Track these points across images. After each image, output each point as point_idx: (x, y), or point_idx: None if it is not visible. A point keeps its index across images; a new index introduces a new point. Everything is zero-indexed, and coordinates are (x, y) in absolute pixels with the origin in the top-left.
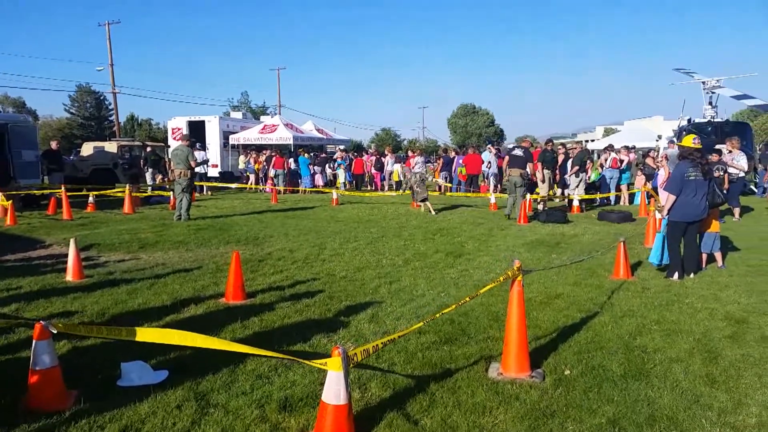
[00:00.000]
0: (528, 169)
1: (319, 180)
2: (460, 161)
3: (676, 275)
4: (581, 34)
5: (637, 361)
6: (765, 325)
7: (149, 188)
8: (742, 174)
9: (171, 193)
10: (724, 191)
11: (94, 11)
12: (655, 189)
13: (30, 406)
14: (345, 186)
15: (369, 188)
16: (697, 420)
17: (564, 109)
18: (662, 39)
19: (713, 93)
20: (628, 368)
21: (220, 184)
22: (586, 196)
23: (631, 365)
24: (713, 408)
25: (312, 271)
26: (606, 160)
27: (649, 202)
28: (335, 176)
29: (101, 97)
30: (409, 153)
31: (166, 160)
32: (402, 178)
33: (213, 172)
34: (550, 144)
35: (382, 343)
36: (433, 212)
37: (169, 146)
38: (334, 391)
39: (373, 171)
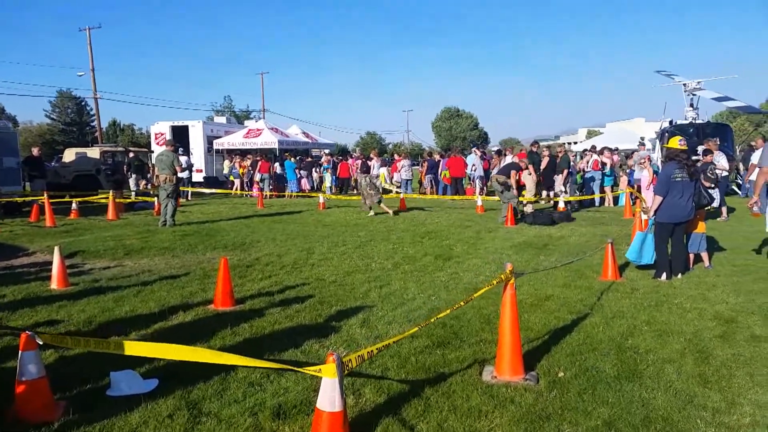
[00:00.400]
0: (510, 178)
1: (305, 184)
2: (445, 164)
3: (664, 276)
4: (563, 38)
5: (629, 362)
6: (754, 324)
7: (133, 194)
8: (725, 173)
9: (155, 198)
10: (710, 192)
11: (75, 16)
12: (639, 189)
13: (17, 418)
14: (331, 190)
15: (356, 192)
16: (692, 420)
17: (547, 112)
18: (643, 42)
19: (694, 95)
20: (621, 369)
21: (205, 189)
22: (572, 198)
23: (624, 366)
24: (707, 408)
25: (301, 276)
26: (587, 162)
27: (634, 203)
28: (321, 180)
29: (82, 103)
30: (395, 156)
31: (150, 165)
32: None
33: (198, 177)
34: (536, 146)
35: (377, 348)
36: (391, 213)
37: (152, 152)
38: (329, 398)
39: (360, 174)
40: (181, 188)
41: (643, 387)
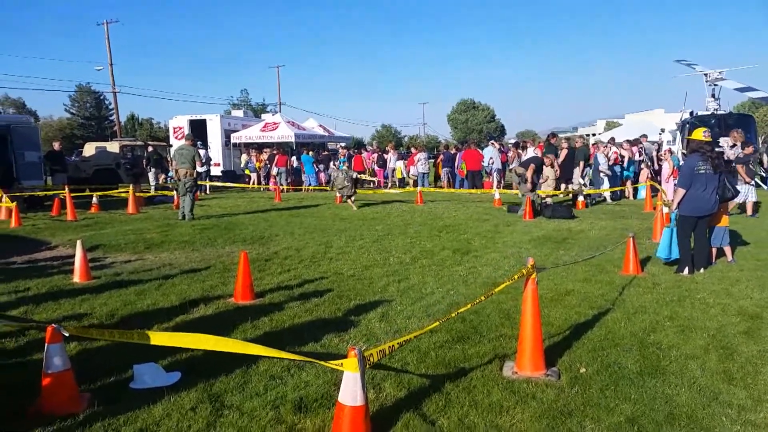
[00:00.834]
0: (527, 171)
1: (322, 177)
2: (461, 157)
3: (686, 270)
4: (581, 28)
5: (652, 358)
6: None
7: (152, 188)
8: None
9: (174, 192)
10: (735, 186)
11: (92, 11)
12: (659, 182)
13: (43, 410)
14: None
15: (372, 185)
16: (717, 418)
17: (565, 104)
18: (663, 32)
19: (716, 85)
20: (643, 365)
21: (221, 184)
22: (592, 191)
23: (647, 362)
24: (732, 405)
25: (319, 270)
26: (607, 156)
27: (655, 196)
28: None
29: (101, 97)
30: (412, 150)
31: (168, 159)
32: (333, 176)
33: (215, 171)
34: (554, 138)
35: (398, 343)
36: (355, 208)
37: (171, 145)
38: (350, 393)
39: (376, 168)
40: (199, 182)
41: (666, 383)
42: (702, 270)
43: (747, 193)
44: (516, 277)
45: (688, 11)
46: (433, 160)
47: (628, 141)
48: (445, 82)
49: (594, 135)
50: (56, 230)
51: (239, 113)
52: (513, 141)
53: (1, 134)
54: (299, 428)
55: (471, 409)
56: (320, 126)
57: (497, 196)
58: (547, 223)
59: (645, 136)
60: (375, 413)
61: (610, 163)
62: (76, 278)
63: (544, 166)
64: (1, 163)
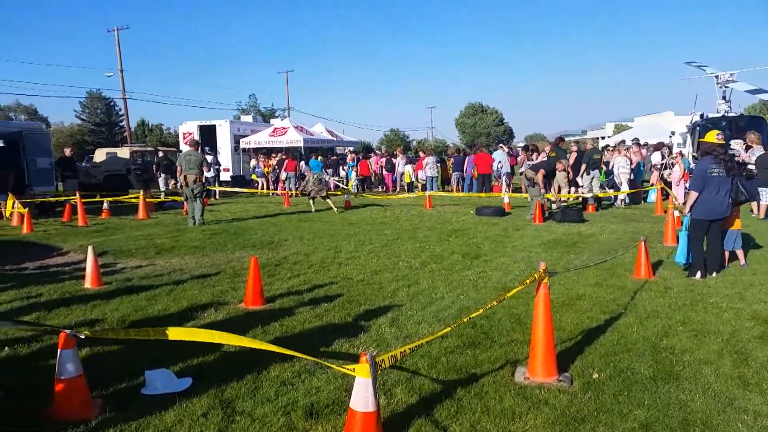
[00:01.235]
0: (537, 175)
1: (331, 183)
2: (471, 161)
3: (698, 274)
4: (589, 31)
5: (665, 363)
6: None
7: (162, 193)
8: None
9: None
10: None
11: (103, 18)
12: (669, 185)
13: (56, 416)
14: (357, 188)
15: (380, 189)
16: (733, 424)
17: (573, 107)
18: (672, 34)
19: (727, 87)
20: (656, 370)
21: (231, 189)
22: (601, 194)
23: (660, 367)
24: (748, 411)
25: (329, 275)
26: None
27: (666, 199)
28: (347, 178)
29: (111, 103)
30: (420, 154)
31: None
32: (306, 179)
33: (225, 176)
34: (562, 142)
35: (409, 348)
36: (313, 210)
37: (181, 151)
38: (362, 398)
39: (384, 172)
40: (207, 187)
41: (680, 389)
42: (714, 274)
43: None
44: (528, 281)
45: (698, 12)
46: (440, 164)
47: (637, 144)
48: (453, 86)
49: (603, 138)
50: (67, 236)
51: (248, 118)
52: (521, 144)
53: (14, 141)
54: None
55: (483, 415)
56: (328, 131)
57: (506, 200)
58: (557, 227)
59: (662, 143)
60: (386, 419)
61: (632, 166)
62: (88, 284)
63: (556, 171)
64: (13, 169)
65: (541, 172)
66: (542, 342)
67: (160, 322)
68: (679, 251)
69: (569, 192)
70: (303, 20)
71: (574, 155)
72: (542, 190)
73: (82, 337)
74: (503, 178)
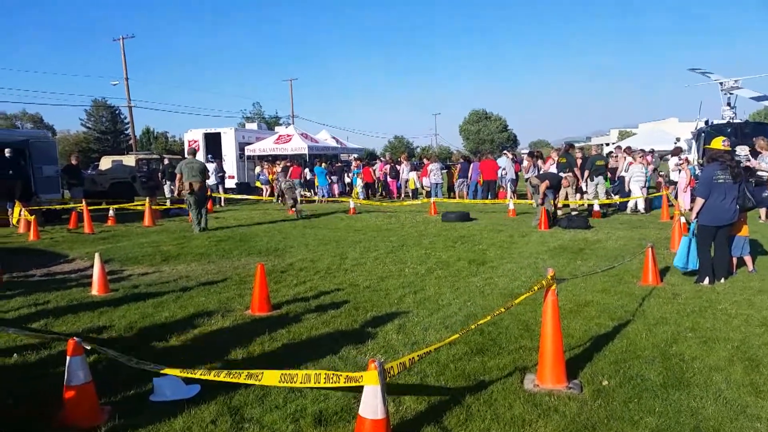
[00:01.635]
0: (541, 185)
1: (335, 189)
2: (477, 167)
3: (706, 280)
4: (593, 37)
5: (675, 369)
6: None
7: (168, 201)
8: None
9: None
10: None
11: (108, 27)
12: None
13: (65, 423)
14: (361, 195)
15: (384, 196)
16: None
17: (577, 113)
18: (676, 40)
19: (731, 94)
20: (667, 377)
21: (235, 196)
22: (606, 201)
23: (670, 374)
24: (761, 419)
25: (335, 282)
26: (622, 164)
27: (672, 206)
28: (352, 185)
29: (116, 111)
30: (425, 161)
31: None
32: (279, 186)
33: (230, 184)
34: (572, 149)
35: (418, 355)
36: (296, 214)
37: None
38: (371, 406)
39: (389, 179)
40: (213, 194)
41: (691, 396)
42: (723, 280)
43: None
44: (536, 288)
45: (702, 19)
46: (446, 171)
47: (642, 151)
48: (457, 93)
49: (607, 144)
50: (74, 243)
51: (253, 126)
52: (526, 151)
53: (20, 149)
54: None
55: (493, 422)
56: (333, 138)
57: (511, 207)
58: (563, 234)
59: (680, 148)
60: (395, 427)
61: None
62: (95, 291)
63: (561, 185)
64: (20, 177)
65: (546, 183)
66: (551, 349)
67: (167, 329)
68: (678, 255)
69: (575, 198)
70: (307, 29)
71: (578, 161)
72: (540, 201)
73: (88, 347)
74: (508, 185)
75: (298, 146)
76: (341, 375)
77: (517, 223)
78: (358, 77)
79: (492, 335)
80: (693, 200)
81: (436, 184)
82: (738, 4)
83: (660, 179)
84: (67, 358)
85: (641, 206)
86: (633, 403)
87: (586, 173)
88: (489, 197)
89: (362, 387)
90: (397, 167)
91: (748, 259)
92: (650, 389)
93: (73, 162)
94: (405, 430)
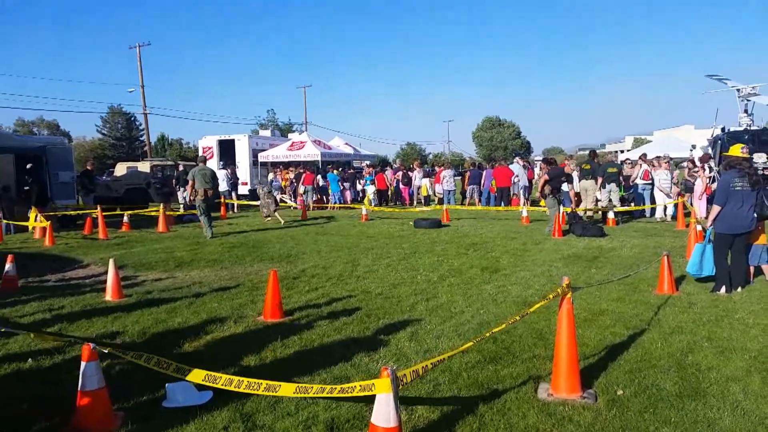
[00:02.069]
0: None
1: (347, 196)
2: (490, 174)
3: (723, 289)
4: (608, 43)
5: (691, 379)
6: None
7: (181, 207)
8: None
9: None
10: None
11: (125, 34)
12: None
13: (78, 428)
14: (373, 202)
15: (397, 203)
16: None
17: (592, 120)
18: (692, 46)
19: (749, 101)
20: (682, 387)
21: (248, 203)
22: (622, 209)
23: (686, 384)
24: None
25: (347, 289)
26: (638, 173)
27: (688, 214)
28: (364, 192)
29: (132, 118)
30: (436, 168)
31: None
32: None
33: (243, 190)
34: (596, 156)
35: (431, 363)
36: (280, 219)
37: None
38: (384, 414)
39: (401, 186)
40: (226, 201)
41: (707, 406)
42: (739, 289)
43: None
44: (551, 296)
45: (719, 25)
46: (459, 177)
47: (658, 158)
48: (470, 100)
49: (622, 152)
50: (88, 249)
51: (267, 133)
52: (539, 158)
53: (37, 155)
54: None
55: None
56: (346, 144)
57: (525, 214)
58: (577, 241)
59: (708, 155)
60: None
61: (646, 180)
62: (108, 296)
63: (562, 179)
64: (36, 183)
65: (544, 178)
66: (565, 358)
67: (180, 335)
68: (690, 262)
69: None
70: (321, 36)
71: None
72: (549, 203)
73: (105, 351)
74: (521, 192)
75: (311, 153)
76: (355, 386)
77: (530, 230)
78: (372, 84)
79: (505, 343)
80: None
81: (449, 191)
82: (753, 9)
83: (674, 187)
84: (82, 363)
85: (668, 213)
86: (648, 413)
87: (599, 180)
88: (502, 204)
89: (374, 395)
90: (410, 174)
91: (765, 267)
92: (666, 399)
93: (89, 168)
94: None
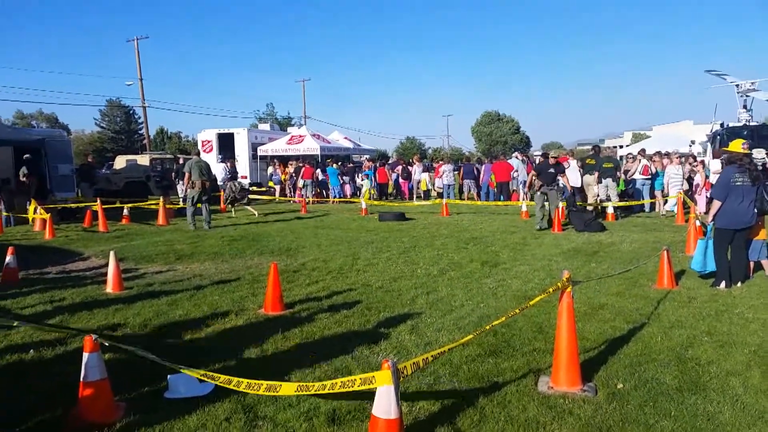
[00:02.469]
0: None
1: (347, 190)
2: (489, 169)
3: (723, 284)
4: (607, 37)
5: (691, 373)
6: None
7: (181, 200)
8: None
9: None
10: None
11: (122, 27)
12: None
13: (81, 419)
14: (372, 195)
15: (396, 197)
16: None
17: (591, 115)
18: (691, 42)
19: (748, 96)
20: (682, 381)
21: (250, 196)
22: (621, 204)
23: (686, 378)
24: None
25: (347, 282)
26: (637, 168)
27: (687, 209)
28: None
29: (131, 111)
30: (434, 164)
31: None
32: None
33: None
34: (600, 150)
35: (431, 356)
36: (233, 214)
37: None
38: (385, 406)
39: (401, 180)
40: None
41: (707, 400)
42: (739, 284)
43: None
44: (551, 290)
45: (718, 20)
46: (457, 172)
47: (658, 153)
48: (470, 94)
49: (621, 147)
50: (88, 241)
51: (266, 127)
52: (539, 152)
53: (36, 148)
54: None
55: (507, 424)
56: (345, 138)
57: (524, 208)
58: (576, 236)
59: (722, 151)
60: (409, 427)
61: (645, 175)
62: (109, 288)
63: (549, 171)
64: (36, 176)
65: (532, 173)
66: (566, 351)
67: (181, 327)
68: (695, 259)
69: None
70: (320, 30)
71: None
72: (538, 201)
73: (107, 343)
74: (520, 186)
75: (310, 147)
76: (355, 378)
77: (530, 225)
78: (371, 78)
79: (505, 337)
80: (708, 202)
81: (448, 185)
82: (753, 3)
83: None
84: (84, 354)
85: (668, 207)
86: (648, 406)
87: (596, 175)
88: (502, 199)
89: (375, 387)
90: (409, 168)
91: (765, 263)
92: (666, 393)
93: (90, 161)
94: (418, 431)
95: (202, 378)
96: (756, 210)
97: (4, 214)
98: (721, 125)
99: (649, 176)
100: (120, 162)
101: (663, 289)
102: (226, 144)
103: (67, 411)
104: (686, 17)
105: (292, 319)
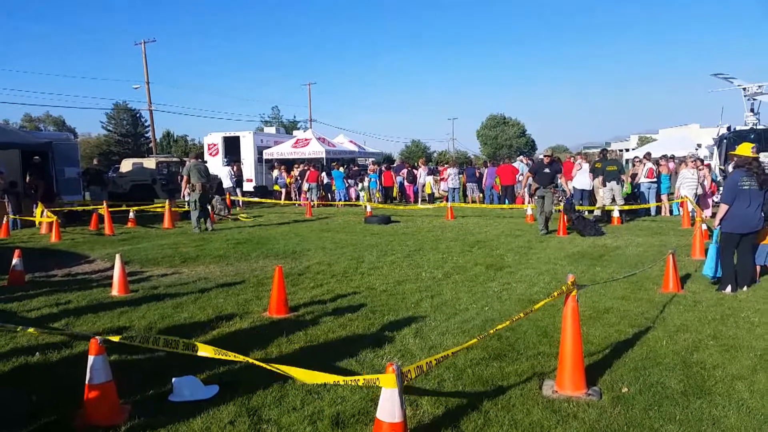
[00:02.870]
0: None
1: (352, 193)
2: (494, 172)
3: (728, 288)
4: (612, 41)
5: (696, 377)
6: None
7: (186, 203)
8: None
9: (209, 208)
10: None
11: (130, 31)
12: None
13: (85, 421)
14: (377, 199)
15: (401, 201)
16: None
17: (597, 118)
18: (697, 45)
19: (755, 99)
20: (688, 385)
21: (253, 199)
22: (626, 207)
23: (691, 382)
24: None
25: (352, 285)
26: (642, 172)
27: (693, 213)
28: (368, 189)
29: (137, 115)
30: (439, 168)
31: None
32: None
33: (248, 187)
34: (608, 153)
35: (436, 360)
36: (247, 220)
37: (206, 162)
38: (388, 409)
39: (406, 183)
40: (232, 198)
41: (712, 404)
42: (745, 288)
43: None
44: (556, 294)
45: (725, 23)
46: (461, 176)
47: (664, 156)
48: (475, 98)
49: (627, 150)
50: (94, 244)
51: (272, 130)
52: (542, 156)
53: (43, 151)
54: None
55: (511, 428)
56: (351, 141)
57: (529, 212)
58: (581, 240)
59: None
60: (413, 430)
61: (650, 178)
62: (115, 291)
63: (544, 171)
64: (43, 179)
65: (528, 174)
66: (570, 355)
67: (186, 330)
68: (707, 264)
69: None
70: (325, 34)
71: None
72: (540, 206)
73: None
74: (525, 190)
75: (315, 150)
76: (359, 378)
77: (535, 228)
78: (376, 82)
79: (510, 340)
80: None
81: (454, 188)
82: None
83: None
84: (90, 356)
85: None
86: (653, 410)
87: (601, 178)
88: (507, 202)
89: (380, 390)
90: (414, 171)
91: None
92: (671, 397)
93: (96, 164)
94: None
95: (216, 355)
96: (763, 214)
97: (11, 216)
98: (728, 128)
99: (655, 179)
100: (126, 165)
101: (668, 293)
102: (232, 147)
103: (72, 413)
104: (693, 20)
105: (296, 322)
